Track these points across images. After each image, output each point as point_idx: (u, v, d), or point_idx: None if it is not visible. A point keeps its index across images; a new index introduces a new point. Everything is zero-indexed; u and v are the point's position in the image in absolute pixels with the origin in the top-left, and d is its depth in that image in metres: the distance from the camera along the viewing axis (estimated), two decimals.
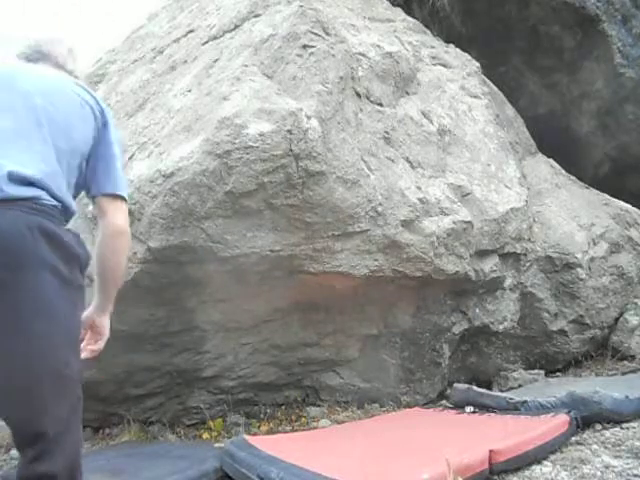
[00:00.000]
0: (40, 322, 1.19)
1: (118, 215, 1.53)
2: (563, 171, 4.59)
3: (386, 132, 3.21)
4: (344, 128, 2.87)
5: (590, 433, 2.41)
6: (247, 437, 2.44)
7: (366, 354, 3.36)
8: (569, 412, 2.41)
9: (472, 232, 3.30)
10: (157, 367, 3.15)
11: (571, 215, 4.05)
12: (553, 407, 2.57)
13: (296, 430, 3.10)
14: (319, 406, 3.37)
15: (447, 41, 4.62)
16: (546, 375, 3.70)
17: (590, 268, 3.85)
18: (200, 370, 3.19)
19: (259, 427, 3.19)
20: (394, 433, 2.60)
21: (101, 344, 1.58)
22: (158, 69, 3.68)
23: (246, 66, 2.85)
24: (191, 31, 3.83)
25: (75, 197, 1.51)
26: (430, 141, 3.45)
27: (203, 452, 2.55)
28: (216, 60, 3.13)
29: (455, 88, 3.99)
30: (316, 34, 2.99)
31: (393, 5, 4.62)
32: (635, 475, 1.91)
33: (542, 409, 2.60)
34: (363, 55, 3.38)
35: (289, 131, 2.57)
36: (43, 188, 1.28)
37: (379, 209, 2.89)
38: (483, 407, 2.85)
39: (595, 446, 2.24)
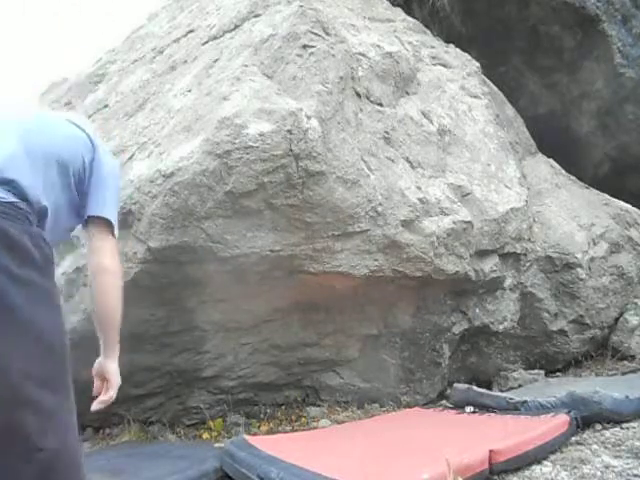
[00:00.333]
0: None
1: (103, 251, 1.50)
2: (563, 171, 4.59)
3: (386, 132, 3.21)
4: (344, 128, 2.87)
5: (590, 433, 2.41)
6: (247, 437, 2.44)
7: (366, 354, 3.36)
8: (569, 412, 2.41)
9: (472, 232, 3.30)
10: (157, 367, 3.15)
11: (571, 215, 4.05)
12: (553, 407, 2.57)
13: (296, 430, 3.10)
14: (319, 406, 3.36)
15: (447, 41, 4.62)
16: (546, 375, 3.69)
17: (590, 268, 3.85)
18: (200, 370, 3.19)
19: (259, 427, 3.19)
20: (394, 433, 2.60)
21: (111, 393, 1.51)
22: (158, 69, 3.68)
23: (246, 66, 2.85)
24: (191, 31, 3.83)
25: (73, 225, 1.50)
26: (430, 141, 3.45)
27: (203, 452, 2.55)
28: (216, 60, 3.13)
29: (455, 88, 3.99)
30: (316, 34, 2.99)
31: (393, 5, 4.63)
32: (635, 475, 1.91)
33: (542, 409, 2.60)
34: (363, 55, 3.39)
35: (289, 131, 2.57)
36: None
37: (379, 209, 2.89)
38: (483, 407, 2.85)
39: (595, 446, 2.24)
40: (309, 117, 2.65)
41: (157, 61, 3.84)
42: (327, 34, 3.07)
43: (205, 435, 3.15)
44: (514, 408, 2.73)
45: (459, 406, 2.99)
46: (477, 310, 3.56)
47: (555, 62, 5.27)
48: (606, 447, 2.22)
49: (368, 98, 3.26)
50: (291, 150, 2.58)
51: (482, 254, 3.44)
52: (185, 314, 2.94)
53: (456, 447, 2.11)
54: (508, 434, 2.26)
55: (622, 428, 2.41)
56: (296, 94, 2.75)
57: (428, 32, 4.56)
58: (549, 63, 5.31)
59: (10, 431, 1.06)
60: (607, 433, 2.38)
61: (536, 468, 2.06)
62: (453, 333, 3.49)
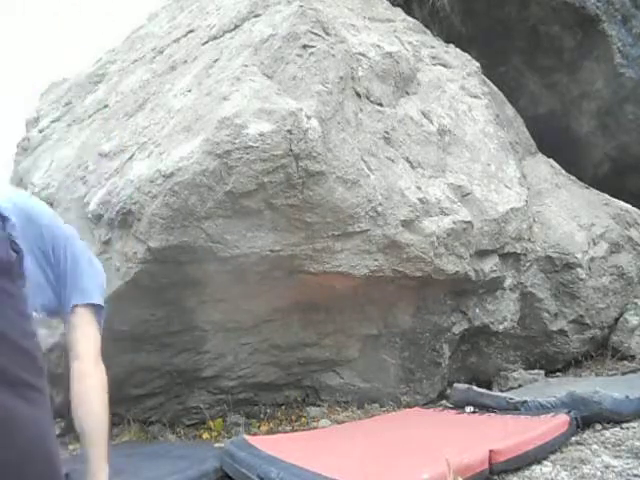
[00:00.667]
0: None
1: (84, 350, 1.39)
2: (563, 171, 4.59)
3: (386, 132, 3.21)
4: (344, 128, 2.87)
5: (590, 433, 2.41)
6: (247, 437, 2.44)
7: (366, 354, 3.36)
8: (569, 412, 2.41)
9: (472, 232, 3.30)
10: (157, 367, 3.15)
11: (571, 215, 4.05)
12: (553, 407, 2.57)
13: (296, 430, 3.10)
14: (319, 406, 3.36)
15: (447, 41, 4.62)
16: (546, 375, 3.69)
17: (590, 268, 3.85)
18: (200, 370, 3.19)
19: (259, 427, 3.19)
20: (394, 433, 2.60)
21: None
22: (158, 69, 3.68)
23: (246, 66, 2.85)
24: (191, 31, 3.84)
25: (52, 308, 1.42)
26: (430, 141, 3.45)
27: (203, 452, 2.55)
28: (216, 60, 3.13)
29: (455, 88, 3.99)
30: (316, 34, 2.99)
31: (393, 5, 4.63)
32: (635, 475, 1.91)
33: (542, 409, 2.59)
34: (363, 55, 3.39)
35: (289, 131, 2.57)
36: None
37: (379, 209, 2.89)
38: (483, 407, 2.85)
39: (595, 446, 2.24)
40: (309, 117, 2.65)
41: (157, 61, 3.84)
42: (327, 34, 3.07)
43: (205, 435, 3.15)
44: (514, 408, 2.73)
45: (459, 406, 2.99)
46: (477, 310, 3.56)
47: (555, 62, 5.27)
48: (606, 447, 2.22)
49: (368, 98, 3.26)
50: (291, 150, 2.58)
51: (482, 254, 3.44)
52: (185, 314, 2.94)
53: (456, 447, 2.11)
54: (508, 434, 2.26)
55: (622, 428, 2.41)
56: (296, 94, 2.75)
57: (428, 32, 4.56)
58: (549, 63, 5.31)
59: None
60: (607, 433, 2.38)
61: (536, 468, 2.06)
62: (453, 333, 3.49)
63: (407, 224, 3.01)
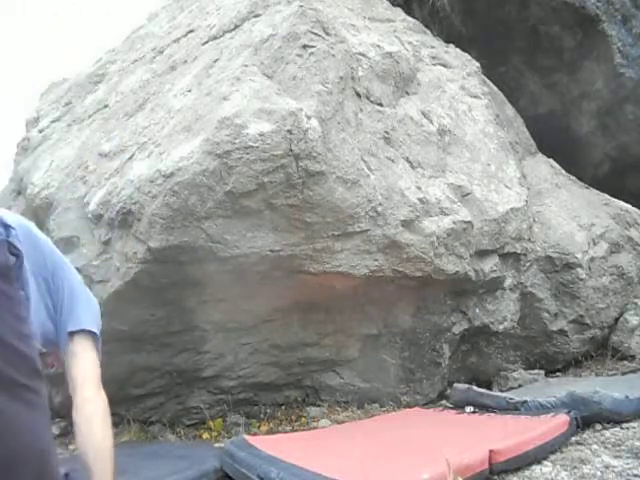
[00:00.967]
0: None
1: (84, 377, 1.36)
2: (563, 171, 4.59)
3: (386, 132, 3.21)
4: (344, 128, 2.87)
5: (590, 433, 2.41)
6: (247, 437, 2.44)
7: (366, 354, 3.36)
8: (569, 412, 2.41)
9: (472, 232, 3.30)
10: (157, 367, 3.15)
11: (571, 215, 4.05)
12: (553, 407, 2.57)
13: (296, 430, 3.10)
14: (319, 406, 3.36)
15: (447, 41, 4.62)
16: (546, 375, 3.69)
17: (590, 268, 3.85)
18: (200, 370, 3.19)
19: (259, 427, 3.19)
20: (394, 433, 2.60)
21: None
22: (158, 69, 3.68)
23: (246, 66, 2.85)
24: (191, 31, 3.84)
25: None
26: (430, 141, 3.45)
27: (203, 452, 2.55)
28: (216, 60, 3.13)
29: (455, 88, 3.99)
30: (316, 34, 2.99)
31: (393, 5, 4.63)
32: (635, 475, 1.91)
33: (542, 409, 2.60)
34: (363, 55, 3.39)
35: (289, 131, 2.57)
36: None
37: (379, 209, 2.89)
38: (483, 407, 2.85)
39: (595, 446, 2.24)
40: (309, 117, 2.65)
41: (157, 61, 3.84)
42: (327, 34, 3.07)
43: (205, 435, 3.15)
44: (514, 408, 2.73)
45: (459, 406, 2.99)
46: (477, 310, 3.56)
47: (555, 62, 5.27)
48: (606, 447, 2.22)
49: (368, 98, 3.26)
50: (291, 150, 2.58)
51: (482, 254, 3.44)
52: (185, 314, 2.94)
53: (456, 447, 2.11)
54: (508, 434, 2.26)
55: (622, 428, 2.41)
56: (296, 94, 2.75)
57: (428, 32, 4.57)
58: (549, 63, 5.31)
59: None
60: (607, 433, 2.38)
61: (536, 468, 2.06)
62: (453, 333, 3.49)
63: (407, 224, 3.01)
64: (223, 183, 2.55)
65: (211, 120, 2.62)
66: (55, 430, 3.19)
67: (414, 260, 3.05)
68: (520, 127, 4.66)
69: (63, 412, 3.27)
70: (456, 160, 3.56)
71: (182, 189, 2.54)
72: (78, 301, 1.45)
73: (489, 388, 3.51)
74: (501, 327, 3.66)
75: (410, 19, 4.49)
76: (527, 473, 2.03)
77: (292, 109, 2.62)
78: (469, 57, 4.45)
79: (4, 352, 1.07)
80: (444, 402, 3.40)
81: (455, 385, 3.20)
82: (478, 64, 4.40)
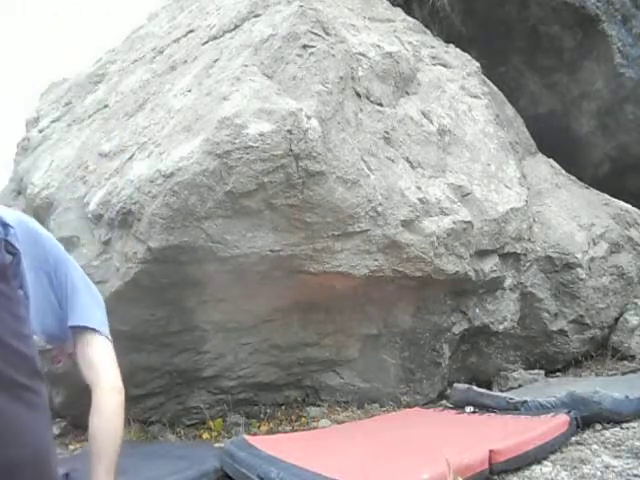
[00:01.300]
0: None
1: (109, 362, 1.40)
2: (563, 171, 4.59)
3: (386, 132, 3.21)
4: (344, 128, 2.87)
5: (590, 433, 2.41)
6: (247, 437, 2.44)
7: (366, 354, 3.36)
8: (569, 412, 2.41)
9: (472, 232, 3.30)
10: (157, 367, 3.15)
11: (571, 215, 4.05)
12: (553, 407, 2.57)
13: (296, 430, 3.10)
14: (319, 406, 3.36)
15: (447, 41, 4.62)
16: (546, 375, 3.69)
17: (590, 268, 3.85)
18: (200, 370, 3.19)
19: (259, 427, 3.19)
20: (394, 433, 2.60)
21: None
22: (158, 69, 3.68)
23: (246, 66, 2.85)
24: (191, 31, 3.84)
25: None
26: (430, 141, 3.45)
27: (203, 452, 2.55)
28: (216, 60, 3.13)
29: (455, 88, 3.99)
30: (316, 34, 2.99)
31: (393, 5, 4.63)
32: (635, 475, 1.91)
33: (542, 409, 2.59)
34: (363, 55, 3.39)
35: (289, 131, 2.57)
36: None
37: (379, 209, 2.89)
38: (483, 407, 2.85)
39: (595, 446, 2.24)
40: (309, 117, 2.65)
41: (157, 61, 3.84)
42: (327, 34, 3.07)
43: (205, 435, 3.15)
44: (514, 408, 2.73)
45: (459, 406, 2.99)
46: (477, 310, 3.56)
47: (555, 62, 5.27)
48: (606, 447, 2.22)
49: (368, 98, 3.26)
50: (291, 150, 2.58)
51: (482, 254, 3.44)
52: (185, 314, 2.94)
53: (456, 447, 2.11)
54: (508, 434, 2.26)
55: (622, 428, 2.41)
56: (296, 94, 2.75)
57: (428, 32, 4.56)
58: (549, 63, 5.31)
59: None
60: (607, 433, 2.38)
61: (536, 468, 2.06)
62: (453, 333, 3.49)
63: (407, 224, 3.01)
64: (223, 183, 2.55)
65: (211, 120, 2.62)
66: (55, 430, 3.19)
67: (414, 260, 3.05)
68: (520, 127, 4.66)
69: (63, 412, 3.28)
70: (456, 160, 3.56)
71: (182, 189, 2.54)
72: (84, 296, 1.45)
73: (489, 388, 3.51)
74: (501, 327, 3.66)
75: (410, 19, 4.49)
76: (527, 473, 2.03)
77: (292, 109, 2.62)
78: (469, 57, 4.45)
79: (3, 353, 1.06)
80: (444, 402, 3.40)
81: (455, 385, 3.20)
82: (478, 64, 4.40)
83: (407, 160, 3.25)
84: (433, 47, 4.28)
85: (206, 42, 3.47)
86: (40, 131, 4.20)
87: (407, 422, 2.91)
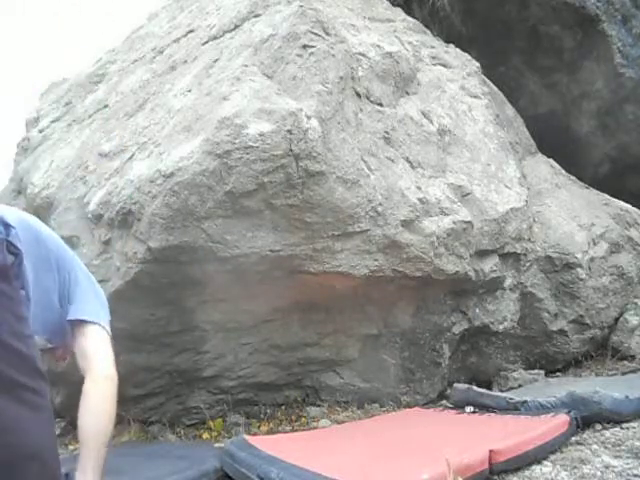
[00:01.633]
0: None
1: (103, 352, 1.39)
2: (563, 171, 4.59)
3: (386, 132, 3.21)
4: (344, 128, 2.87)
5: (590, 433, 2.40)
6: (247, 437, 2.44)
7: (366, 354, 3.36)
8: (569, 412, 2.40)
9: (472, 232, 3.30)
10: (157, 367, 3.15)
11: (571, 215, 4.05)
12: (553, 407, 2.57)
13: (296, 430, 3.10)
14: (319, 406, 3.36)
15: (447, 41, 4.62)
16: (546, 375, 3.69)
17: (590, 268, 3.85)
18: (200, 370, 3.19)
19: (259, 427, 3.19)
20: (394, 433, 2.60)
21: None
22: (158, 69, 3.68)
23: (246, 66, 2.85)
24: (191, 31, 3.84)
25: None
26: (430, 141, 3.45)
27: (203, 452, 2.55)
28: (216, 60, 3.13)
29: (455, 88, 3.99)
30: (316, 34, 2.99)
31: (393, 5, 4.63)
32: (635, 475, 1.91)
33: (542, 409, 2.59)
34: (363, 55, 3.39)
35: (289, 131, 2.57)
36: None
37: (379, 209, 2.89)
38: (483, 407, 2.85)
39: (595, 446, 2.24)
40: (309, 117, 2.65)
41: (157, 61, 3.84)
42: (327, 34, 3.07)
43: (205, 435, 3.15)
44: (514, 408, 2.73)
45: (459, 406, 2.99)
46: (477, 310, 3.56)
47: (555, 62, 5.27)
48: (606, 447, 2.22)
49: (368, 98, 3.26)
50: (291, 150, 2.58)
51: (482, 254, 3.44)
52: (185, 314, 2.94)
53: (456, 447, 2.11)
54: (508, 434, 2.26)
55: (622, 428, 2.41)
56: (296, 94, 2.75)
57: (428, 32, 4.56)
58: (549, 63, 5.31)
59: None
60: (607, 433, 2.38)
61: (536, 468, 2.06)
62: (453, 333, 3.49)
63: (407, 224, 3.01)
64: (223, 183, 2.55)
65: (211, 120, 2.62)
66: (55, 430, 3.19)
67: (414, 260, 3.05)
68: (520, 127, 4.66)
69: (63, 412, 3.28)
70: (456, 160, 3.56)
71: (182, 189, 2.54)
72: (85, 291, 1.46)
73: (489, 388, 3.51)
74: (501, 327, 3.66)
75: (410, 19, 4.49)
76: (527, 473, 2.03)
77: (292, 109, 2.62)
78: (469, 57, 4.44)
79: (5, 354, 1.07)
80: (444, 402, 3.40)
81: (455, 385, 3.20)
82: (478, 64, 4.40)
83: (407, 160, 3.25)
84: (433, 47, 4.28)
85: (206, 42, 3.47)
86: (40, 131, 4.20)
87: (407, 422, 2.91)
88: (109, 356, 1.41)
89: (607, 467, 2.00)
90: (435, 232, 3.09)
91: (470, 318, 3.53)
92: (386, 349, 3.37)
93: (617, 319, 4.04)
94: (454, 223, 3.19)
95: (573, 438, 2.33)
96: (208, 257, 2.68)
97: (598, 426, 2.45)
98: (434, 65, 4.06)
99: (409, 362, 3.41)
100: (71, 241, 2.98)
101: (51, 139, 3.99)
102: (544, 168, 4.45)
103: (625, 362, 3.84)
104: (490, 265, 3.47)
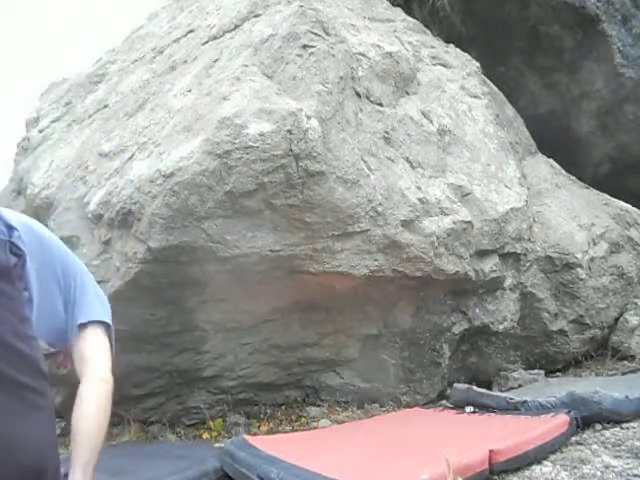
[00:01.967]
0: None
1: (100, 354, 1.37)
2: (563, 171, 4.59)
3: (386, 132, 3.21)
4: (344, 128, 2.87)
5: (590, 433, 2.40)
6: (247, 437, 2.44)
7: (366, 354, 3.36)
8: (569, 412, 2.41)
9: (472, 232, 3.30)
10: (157, 367, 3.15)
11: (571, 215, 4.05)
12: (553, 407, 2.57)
13: (296, 430, 3.10)
14: (319, 406, 3.36)
15: (447, 41, 4.62)
16: (546, 375, 3.69)
17: (590, 268, 3.85)
18: (200, 370, 3.19)
19: (259, 427, 3.19)
20: (394, 433, 2.60)
21: None
22: (158, 69, 3.68)
23: (246, 66, 2.85)
24: (191, 31, 3.84)
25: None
26: (430, 141, 3.45)
27: (203, 452, 2.55)
28: (216, 60, 3.13)
29: (455, 88, 3.99)
30: (316, 34, 2.99)
31: (393, 5, 4.63)
32: (635, 475, 1.91)
33: (542, 409, 2.59)
34: (363, 55, 3.39)
35: (289, 131, 2.57)
36: None
37: (379, 209, 2.89)
38: (483, 407, 2.85)
39: (595, 446, 2.24)
40: (309, 117, 2.65)
41: (157, 61, 3.84)
42: (327, 34, 3.07)
43: (205, 435, 3.15)
44: (514, 408, 2.73)
45: (459, 406, 2.99)
46: (477, 310, 3.56)
47: (555, 62, 5.27)
48: (606, 447, 2.22)
49: (368, 98, 3.26)
50: (291, 150, 2.58)
51: (482, 254, 3.44)
52: (185, 314, 2.94)
53: (456, 447, 2.11)
54: (508, 434, 2.26)
55: (622, 428, 2.41)
56: (296, 94, 2.75)
57: (428, 32, 4.56)
58: (549, 63, 5.31)
59: None
60: (607, 433, 2.38)
61: (536, 468, 2.06)
62: (453, 333, 3.49)
63: (407, 224, 3.01)
64: (223, 183, 2.55)
65: (211, 120, 2.62)
66: (56, 430, 3.19)
67: (414, 260, 3.05)
68: (520, 127, 4.66)
69: (63, 412, 3.28)
70: (456, 160, 3.56)
71: (182, 189, 2.54)
72: (89, 296, 1.45)
73: (489, 388, 3.51)
74: (501, 327, 3.66)
75: (410, 19, 4.49)
76: (527, 473, 2.03)
77: (292, 109, 2.62)
78: (469, 57, 4.45)
79: (7, 354, 1.06)
80: (444, 402, 3.40)
81: (455, 385, 3.20)
82: (478, 64, 4.40)
83: (407, 160, 3.25)
84: (433, 47, 4.28)
85: (206, 42, 3.47)
86: (40, 131, 4.20)
87: (407, 422, 2.91)
88: (106, 359, 1.40)
89: (607, 467, 2.00)
90: (435, 232, 3.09)
91: (470, 318, 3.53)
92: (386, 349, 3.37)
93: (617, 319, 4.04)
94: (454, 223, 3.19)
95: (573, 438, 2.33)
96: (208, 257, 2.68)
97: (598, 426, 2.46)
98: (434, 65, 4.06)
99: (409, 362, 3.41)
100: (71, 241, 2.98)
101: (51, 139, 3.99)
102: (544, 168, 4.45)
103: (625, 362, 3.84)
104: (490, 265, 3.47)
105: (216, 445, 2.71)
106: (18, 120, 5.18)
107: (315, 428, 3.07)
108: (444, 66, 4.14)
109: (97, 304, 1.46)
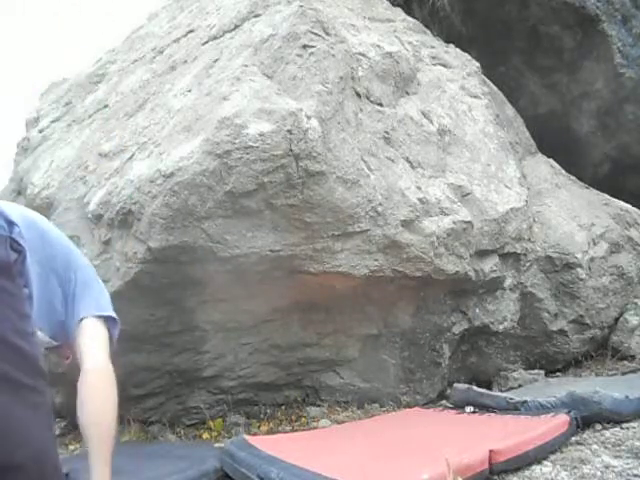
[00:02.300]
0: None
1: (93, 350, 1.36)
2: (563, 171, 4.59)
3: (386, 132, 3.21)
4: (344, 128, 2.87)
5: (590, 433, 2.40)
6: (247, 437, 2.44)
7: (366, 354, 3.36)
8: (569, 412, 2.40)
9: (472, 232, 3.30)
10: (157, 367, 3.15)
11: (571, 215, 4.05)
12: (553, 407, 2.57)
13: (296, 430, 3.10)
14: (319, 406, 3.36)
15: (447, 41, 4.62)
16: (546, 375, 3.69)
17: (590, 268, 3.85)
18: (200, 370, 3.19)
19: (259, 427, 3.19)
20: (394, 433, 2.60)
21: None
22: (158, 69, 3.68)
23: (246, 66, 2.85)
24: (191, 31, 3.84)
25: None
26: (430, 141, 3.45)
27: (203, 452, 2.55)
28: (216, 60, 3.13)
29: (455, 88, 3.99)
30: (316, 34, 2.99)
31: (393, 5, 4.63)
32: (635, 475, 1.91)
33: (542, 409, 2.59)
34: (363, 55, 3.39)
35: (289, 131, 2.57)
36: None
37: (379, 209, 2.89)
38: (483, 407, 2.85)
39: (595, 446, 2.24)
40: (309, 117, 2.65)
41: (157, 61, 3.84)
42: (327, 34, 3.07)
43: (205, 435, 3.15)
44: (514, 408, 2.73)
45: (459, 406, 2.99)
46: (477, 310, 3.55)
47: (555, 62, 5.27)
48: (606, 447, 2.22)
49: (368, 98, 3.26)
50: (291, 150, 2.58)
51: (482, 254, 3.44)
52: (185, 314, 2.94)
53: (456, 447, 2.11)
54: (508, 434, 2.26)
55: (622, 428, 2.41)
56: (296, 94, 2.75)
57: (428, 32, 4.56)
58: (549, 63, 5.31)
59: None
60: (607, 433, 2.38)
61: (536, 468, 2.06)
62: (453, 333, 3.49)
63: (407, 224, 3.01)
64: (223, 183, 2.55)
65: (211, 120, 2.62)
66: (55, 430, 3.19)
67: (414, 260, 3.05)
68: (520, 127, 4.66)
69: (63, 412, 3.28)
70: (456, 160, 3.56)
71: (182, 189, 2.54)
72: (90, 290, 1.45)
73: (489, 388, 3.51)
74: (501, 327, 3.66)
75: (410, 19, 4.49)
76: (527, 473, 2.03)
77: (292, 109, 2.62)
78: (469, 57, 4.44)
79: (6, 351, 1.05)
80: (444, 402, 3.40)
81: (455, 385, 3.20)
82: (478, 64, 4.40)
83: (407, 160, 3.25)
84: (433, 47, 4.28)
85: (206, 42, 3.47)
86: (40, 131, 4.20)
87: (407, 422, 2.91)
88: (100, 350, 1.39)
89: (607, 467, 2.00)
90: (435, 232, 3.09)
91: (470, 318, 3.53)
92: (386, 349, 3.37)
93: (617, 319, 4.04)
94: (454, 223, 3.19)
95: (573, 438, 2.33)
96: (208, 257, 2.68)
97: (598, 426, 2.45)
98: (434, 65, 4.06)
99: (409, 362, 3.41)
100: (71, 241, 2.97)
101: (51, 139, 4.00)
102: (544, 168, 4.45)
103: (625, 362, 3.84)
104: (490, 265, 3.47)
105: (216, 445, 2.71)
106: (18, 120, 5.18)
107: (315, 428, 3.07)
108: (444, 66, 4.14)
109: (98, 298, 1.47)
